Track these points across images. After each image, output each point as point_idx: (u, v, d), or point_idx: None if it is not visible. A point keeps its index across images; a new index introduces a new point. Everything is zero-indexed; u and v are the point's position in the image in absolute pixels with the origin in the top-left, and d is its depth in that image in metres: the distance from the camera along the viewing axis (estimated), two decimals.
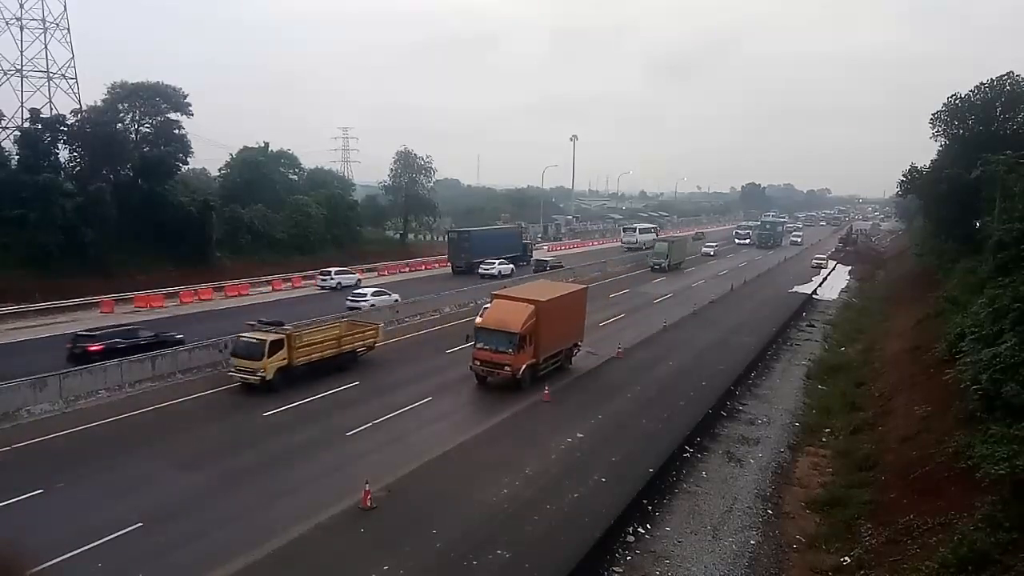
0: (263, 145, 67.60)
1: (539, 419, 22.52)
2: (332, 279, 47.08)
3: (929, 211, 50.78)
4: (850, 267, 75.70)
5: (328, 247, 60.62)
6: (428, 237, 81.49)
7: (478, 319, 26.08)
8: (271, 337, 23.90)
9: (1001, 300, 19.61)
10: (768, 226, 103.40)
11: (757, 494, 18.62)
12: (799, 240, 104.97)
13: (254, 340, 23.94)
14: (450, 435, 20.67)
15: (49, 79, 51.32)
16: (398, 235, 74.85)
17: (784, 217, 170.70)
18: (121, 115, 49.81)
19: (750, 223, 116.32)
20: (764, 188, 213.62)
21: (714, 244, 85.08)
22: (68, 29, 51.79)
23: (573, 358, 29.43)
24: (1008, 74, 42.93)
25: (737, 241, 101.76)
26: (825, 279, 64.37)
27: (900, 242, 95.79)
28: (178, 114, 51.00)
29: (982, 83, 43.93)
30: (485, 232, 64.35)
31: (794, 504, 18.18)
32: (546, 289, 29.23)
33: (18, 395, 20.75)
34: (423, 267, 60.88)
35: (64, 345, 26.03)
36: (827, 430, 23.53)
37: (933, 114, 46.07)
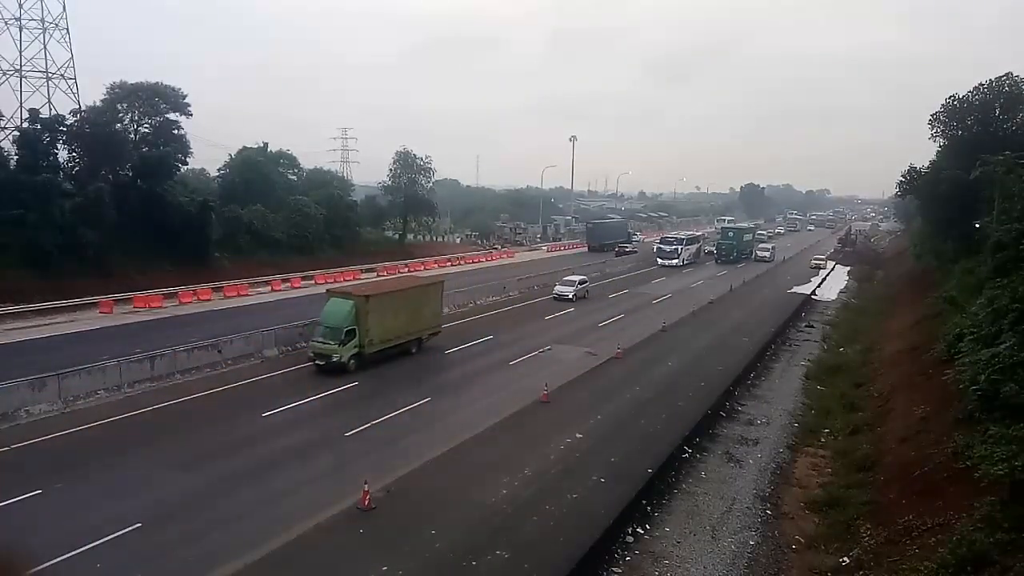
0: (262, 145, 67.50)
1: (538, 419, 22.52)
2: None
3: (928, 212, 50.72)
4: (849, 267, 75.88)
5: (327, 247, 60.53)
6: (427, 237, 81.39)
7: None
8: None
9: (1000, 300, 19.64)
10: (731, 235, 78.78)
11: (756, 494, 18.65)
12: (767, 255, 77.98)
13: None
14: (449, 435, 20.65)
15: (48, 79, 51.36)
16: (397, 235, 74.82)
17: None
18: (120, 115, 49.74)
19: (680, 234, 78.00)
20: (763, 188, 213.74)
21: (577, 280, 46.80)
22: (67, 29, 51.86)
23: None
24: (1007, 75, 42.93)
25: (660, 261, 68.13)
26: (824, 280, 64.48)
27: (899, 243, 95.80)
28: (177, 114, 50.96)
29: (981, 84, 43.93)
30: (609, 223, 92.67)
31: (793, 504, 18.21)
32: None
33: (17, 396, 20.72)
34: (422, 267, 60.86)
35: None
36: (826, 431, 23.55)
37: (932, 115, 46.06)
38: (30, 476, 16.71)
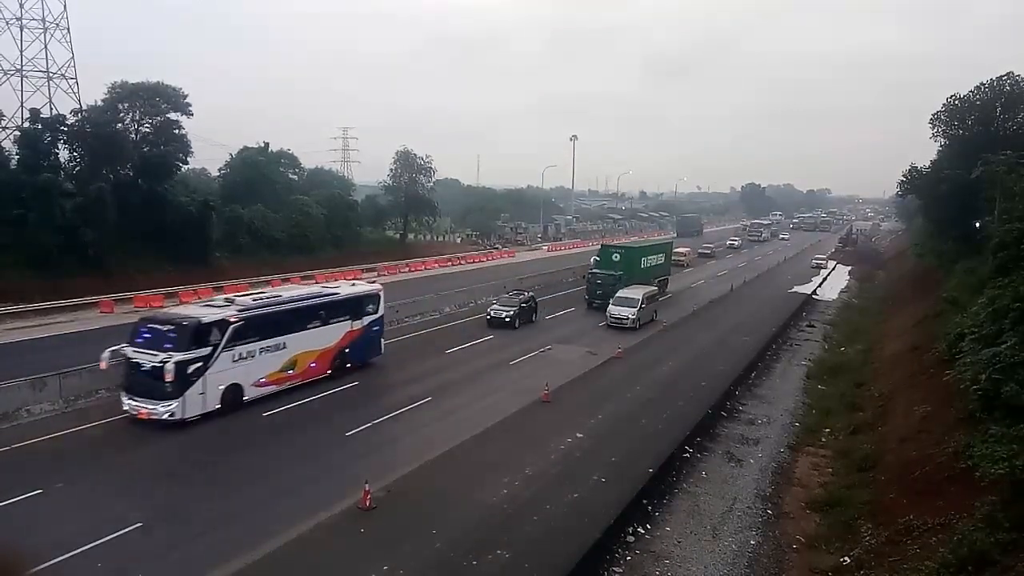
0: (263, 145, 67.43)
1: (538, 419, 22.50)
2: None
3: (929, 211, 50.78)
4: (850, 267, 75.88)
5: (328, 247, 60.51)
6: (428, 237, 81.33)
7: None
8: None
9: (1001, 300, 19.58)
10: (615, 258, 44.45)
11: (757, 494, 18.64)
12: (628, 316, 36.82)
13: None
14: (450, 435, 20.63)
15: (49, 79, 51.32)
16: (398, 235, 74.82)
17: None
18: (121, 115, 49.58)
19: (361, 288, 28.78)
20: (764, 188, 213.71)
21: None
22: (68, 29, 51.78)
23: None
24: (1008, 74, 42.89)
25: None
26: (825, 279, 64.46)
27: (900, 242, 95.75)
28: (178, 114, 50.75)
29: (982, 83, 43.90)
30: (689, 216, 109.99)
31: (794, 504, 18.20)
32: None
33: (17, 395, 20.72)
34: (423, 267, 60.84)
35: None
36: (827, 430, 23.54)
37: (933, 114, 46.08)
38: (31, 475, 16.69)
